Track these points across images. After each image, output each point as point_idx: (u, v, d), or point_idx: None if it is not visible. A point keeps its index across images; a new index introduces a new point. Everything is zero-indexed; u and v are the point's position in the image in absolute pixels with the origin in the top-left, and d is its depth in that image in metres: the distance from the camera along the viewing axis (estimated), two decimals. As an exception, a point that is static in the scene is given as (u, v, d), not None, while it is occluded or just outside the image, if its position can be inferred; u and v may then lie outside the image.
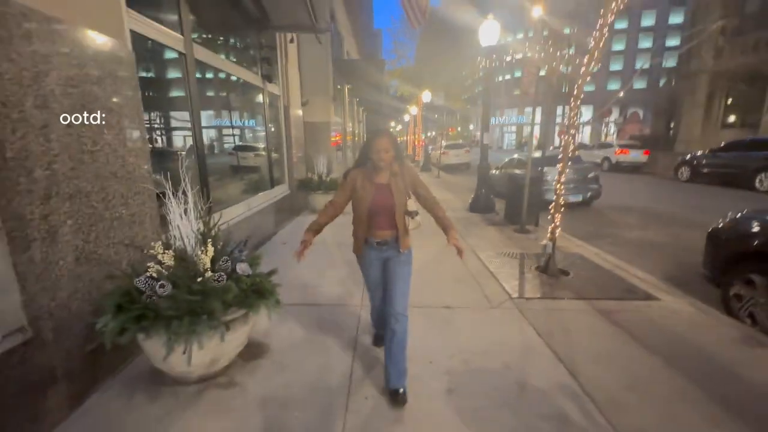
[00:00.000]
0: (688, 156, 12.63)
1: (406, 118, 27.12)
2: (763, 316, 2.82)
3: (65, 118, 1.87)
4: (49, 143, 1.79)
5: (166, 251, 1.97)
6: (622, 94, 36.12)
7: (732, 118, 18.88)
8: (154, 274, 1.92)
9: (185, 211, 2.09)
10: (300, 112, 7.37)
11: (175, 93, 3.90)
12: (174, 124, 4.13)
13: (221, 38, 4.87)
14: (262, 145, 6.22)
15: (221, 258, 2.09)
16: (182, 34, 3.39)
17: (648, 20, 41.53)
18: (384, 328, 2.08)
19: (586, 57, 3.50)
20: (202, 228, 2.15)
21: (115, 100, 2.21)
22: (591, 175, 7.77)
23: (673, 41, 39.03)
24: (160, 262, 1.94)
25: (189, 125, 3.60)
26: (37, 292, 1.77)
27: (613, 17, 3.25)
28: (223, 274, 2.00)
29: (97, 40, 2.10)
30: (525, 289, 3.51)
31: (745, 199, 8.77)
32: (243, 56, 5.36)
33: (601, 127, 38.13)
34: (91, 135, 2.03)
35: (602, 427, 1.82)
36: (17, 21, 1.64)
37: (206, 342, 1.88)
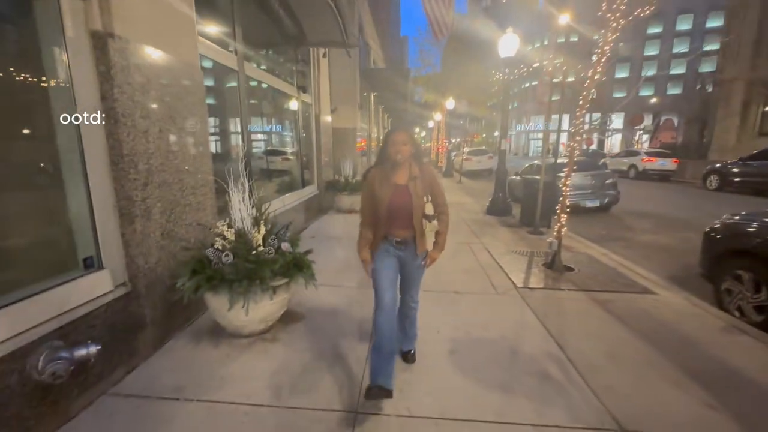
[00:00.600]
0: (718, 164, 12.38)
1: (431, 124, 27.52)
2: (749, 308, 3.07)
3: (159, 126, 2.46)
4: (148, 144, 2.38)
5: (230, 229, 2.51)
6: (654, 101, 34.99)
7: (771, 126, 18.14)
8: (220, 247, 2.46)
9: (242, 198, 2.64)
10: (329, 119, 7.98)
11: (227, 103, 4.53)
12: (228, 129, 4.78)
13: (265, 55, 5.52)
14: (294, 149, 6.83)
15: (270, 237, 2.62)
16: (236, 54, 4.00)
17: (684, 24, 40.12)
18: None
19: (590, 71, 3.84)
20: (255, 213, 2.69)
21: (189, 111, 2.79)
22: (609, 181, 7.93)
23: (711, 45, 37.58)
24: (224, 238, 2.48)
25: (239, 130, 4.21)
26: (136, 255, 2.35)
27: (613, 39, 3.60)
28: (271, 249, 2.52)
29: (179, 64, 2.69)
30: (530, 281, 3.87)
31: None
32: (282, 69, 6.00)
33: (631, 134, 37.00)
34: (174, 138, 2.62)
35: (576, 383, 2.20)
36: (131, 53, 2.23)
37: (258, 301, 2.40)
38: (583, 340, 2.70)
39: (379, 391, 1.84)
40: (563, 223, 4.21)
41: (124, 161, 2.20)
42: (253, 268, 2.40)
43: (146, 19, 2.36)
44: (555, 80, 5.68)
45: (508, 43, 6.71)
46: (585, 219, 7.52)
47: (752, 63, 16.97)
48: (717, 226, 3.49)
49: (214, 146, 4.56)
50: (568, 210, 4.25)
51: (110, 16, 2.08)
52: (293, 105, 6.43)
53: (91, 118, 2.11)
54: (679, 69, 38.93)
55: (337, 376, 2.25)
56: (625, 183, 14.65)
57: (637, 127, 35.52)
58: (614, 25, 3.69)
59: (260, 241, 2.54)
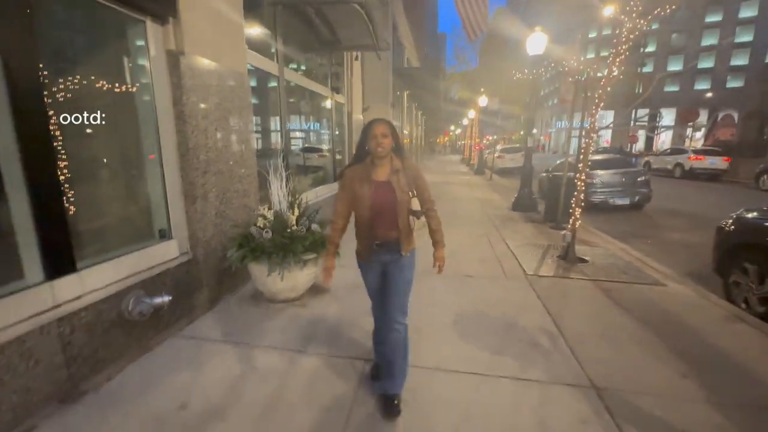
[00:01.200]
0: (773, 163, 11.58)
1: (465, 121, 27.39)
2: (754, 300, 3.16)
3: (215, 125, 3.00)
4: (207, 140, 2.92)
5: (269, 211, 3.02)
6: (711, 95, 32.40)
7: None
8: (261, 225, 2.97)
9: (280, 186, 3.13)
10: (361, 117, 8.44)
11: (268, 104, 5.10)
12: (270, 127, 5.37)
13: (303, 59, 6.06)
14: (329, 147, 7.37)
15: (302, 219, 3.10)
16: (277, 60, 4.54)
17: (749, 11, 36.79)
18: (382, 343, 1.96)
19: (606, 72, 3.99)
20: (290, 198, 3.18)
21: (238, 112, 3.32)
22: (641, 179, 7.80)
23: (780, 34, 34.19)
24: (265, 218, 2.99)
25: (279, 128, 4.77)
26: (196, 230, 2.91)
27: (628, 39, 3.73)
28: (303, 228, 3.00)
29: (231, 73, 3.22)
30: (540, 269, 4.10)
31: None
32: (317, 72, 6.53)
33: (684, 131, 34.61)
34: (226, 135, 3.16)
35: (562, 351, 2.48)
36: (195, 66, 2.78)
37: (291, 270, 2.88)
38: (580, 320, 2.95)
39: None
40: (578, 216, 4.38)
41: (189, 153, 2.75)
42: (288, 243, 2.89)
43: (207, 38, 2.90)
44: (581, 77, 5.73)
45: (537, 42, 6.83)
46: (613, 216, 7.48)
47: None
48: (729, 220, 3.56)
49: (257, 142, 5.15)
50: (582, 204, 4.40)
51: (182, 38, 2.63)
52: (328, 105, 6.95)
53: (166, 119, 2.67)
54: (740, 60, 35.85)
55: (353, 334, 2.68)
56: (668, 182, 14.04)
57: (690, 124, 33.20)
58: (630, 23, 3.79)
59: (294, 222, 3.02)
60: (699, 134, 35.08)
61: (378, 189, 1.80)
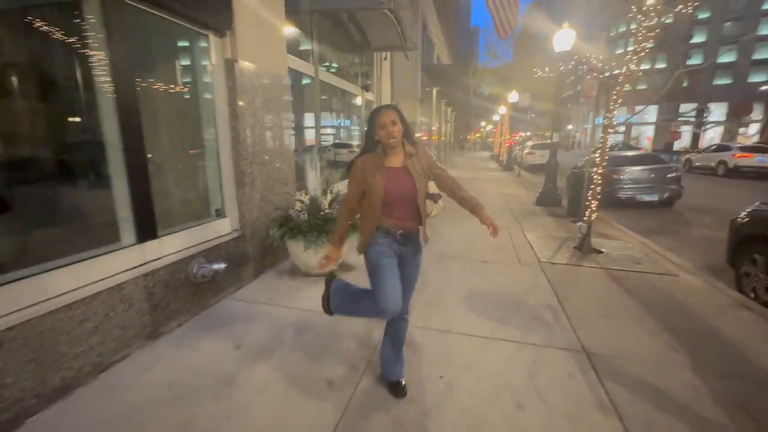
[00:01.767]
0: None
1: (496, 117, 27.09)
2: (762, 289, 3.27)
3: (260, 122, 3.49)
4: (254, 134, 3.41)
5: (306, 196, 3.48)
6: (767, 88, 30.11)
7: None
8: (298, 208, 3.44)
9: (315, 174, 3.58)
10: (389, 114, 8.83)
11: (304, 102, 5.59)
12: (305, 124, 5.88)
13: (335, 60, 6.52)
14: (356, 142, 7.81)
15: (333, 203, 3.53)
16: (312, 62, 5.00)
17: (816, -4, 33.65)
18: (388, 333, 2.03)
19: (624, 69, 4.13)
20: (323, 185, 3.62)
21: (278, 110, 3.80)
22: (671, 175, 7.68)
23: None
24: (302, 202, 3.45)
25: (313, 125, 5.25)
26: (244, 211, 3.41)
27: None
28: (334, 210, 3.43)
29: (273, 76, 3.70)
30: (554, 258, 4.33)
31: None
32: (348, 72, 6.98)
33: (735, 127, 32.32)
34: (268, 130, 3.64)
35: (562, 324, 2.77)
36: (246, 71, 3.26)
37: (324, 246, 3.32)
38: (584, 300, 3.20)
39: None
40: (594, 209, 4.55)
41: (240, 145, 3.25)
42: (321, 223, 3.34)
43: (255, 47, 3.38)
44: (605, 74, 5.79)
45: (563, 38, 6.92)
46: (640, 213, 7.44)
47: None
48: (743, 213, 3.65)
49: (294, 137, 5.67)
50: (599, 198, 4.57)
51: (236, 47, 3.12)
52: (358, 102, 7.39)
53: (222, 117, 3.18)
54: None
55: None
56: (708, 180, 13.43)
57: (745, 118, 30.95)
58: (646, 20, 3.89)
59: (327, 205, 3.47)
60: (752, 130, 32.62)
61: (394, 176, 1.73)
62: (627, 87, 4.25)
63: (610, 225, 6.01)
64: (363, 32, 6.22)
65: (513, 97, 16.95)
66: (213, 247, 3.08)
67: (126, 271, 2.35)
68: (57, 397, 1.94)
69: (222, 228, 3.26)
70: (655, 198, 7.58)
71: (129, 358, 2.29)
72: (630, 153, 9.17)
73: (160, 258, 2.59)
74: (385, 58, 7.78)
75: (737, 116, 30.84)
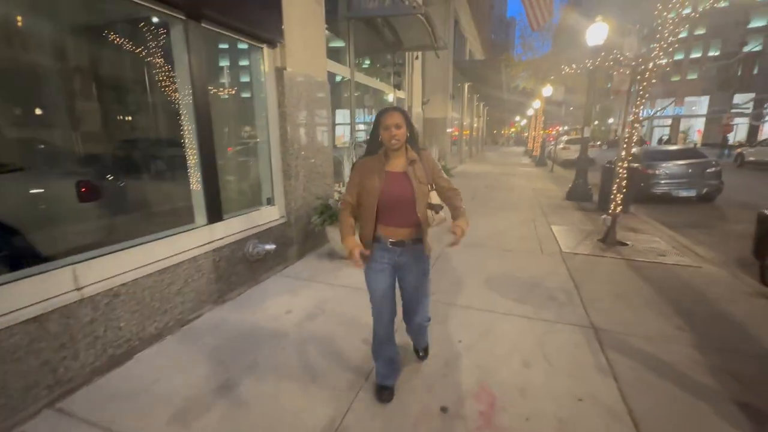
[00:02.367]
0: None
1: (530, 112, 26.50)
2: (784, 280, 3.33)
3: (305, 121, 3.94)
4: (299, 133, 3.88)
5: (342, 186, 3.90)
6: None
7: None
8: (337, 198, 3.87)
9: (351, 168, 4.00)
10: (420, 111, 9.13)
11: (341, 102, 6.04)
12: (342, 122, 6.34)
13: (369, 61, 6.92)
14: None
15: (367, 194, 3.94)
16: (349, 66, 5.42)
17: None
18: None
19: (651, 62, 4.21)
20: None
21: (319, 111, 4.25)
22: (710, 170, 7.46)
23: None
24: (339, 192, 3.88)
25: (348, 122, 5.70)
26: (290, 200, 3.89)
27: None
28: (368, 201, 3.84)
29: (315, 81, 4.14)
30: (577, 248, 4.51)
31: None
32: (381, 72, 7.36)
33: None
34: (311, 128, 4.10)
35: (575, 304, 3.01)
36: (293, 77, 3.72)
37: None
38: (600, 285, 3.41)
39: (382, 391, 1.94)
40: (618, 201, 4.66)
41: (287, 142, 3.72)
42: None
43: (300, 55, 3.83)
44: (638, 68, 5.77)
45: (597, 32, 6.91)
46: (677, 208, 7.31)
47: None
48: (770, 207, 3.68)
49: (333, 135, 6.15)
50: (624, 191, 4.67)
51: (284, 57, 3.58)
52: (390, 99, 7.75)
53: (273, 118, 3.66)
54: None
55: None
56: (760, 177, 12.63)
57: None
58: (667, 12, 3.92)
59: (361, 196, 3.88)
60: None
61: (393, 181, 1.68)
62: (653, 81, 4.31)
63: (641, 219, 6.02)
64: (396, 34, 6.56)
65: (547, 91, 16.61)
66: (264, 231, 3.57)
67: (199, 246, 2.88)
68: (153, 340, 2.48)
69: (272, 214, 3.76)
70: (693, 193, 7.41)
71: (202, 317, 2.82)
72: (668, 148, 8.91)
73: (224, 237, 3.11)
74: (417, 57, 8.08)
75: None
